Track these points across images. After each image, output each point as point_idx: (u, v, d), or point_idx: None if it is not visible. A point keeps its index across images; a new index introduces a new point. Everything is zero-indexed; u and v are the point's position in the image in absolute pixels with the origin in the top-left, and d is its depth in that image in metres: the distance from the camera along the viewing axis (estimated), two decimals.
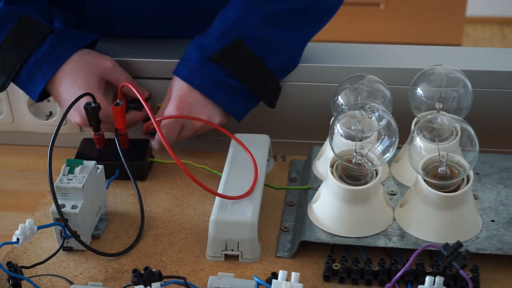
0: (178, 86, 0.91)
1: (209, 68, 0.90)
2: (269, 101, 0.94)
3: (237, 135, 0.89)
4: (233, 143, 0.88)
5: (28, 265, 0.73)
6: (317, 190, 0.80)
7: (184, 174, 0.90)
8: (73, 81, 0.89)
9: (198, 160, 0.91)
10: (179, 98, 0.90)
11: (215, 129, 0.91)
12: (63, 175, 0.77)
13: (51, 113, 1.03)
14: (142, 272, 0.65)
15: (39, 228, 0.71)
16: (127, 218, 0.83)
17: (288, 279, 0.65)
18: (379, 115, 0.71)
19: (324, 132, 0.88)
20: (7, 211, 0.91)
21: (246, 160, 0.84)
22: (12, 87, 0.99)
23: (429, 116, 0.75)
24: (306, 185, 0.85)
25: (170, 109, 0.90)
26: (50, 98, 1.00)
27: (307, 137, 0.99)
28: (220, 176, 0.83)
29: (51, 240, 0.79)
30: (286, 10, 0.91)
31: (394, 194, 0.82)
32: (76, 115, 0.91)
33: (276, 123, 0.99)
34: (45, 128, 1.03)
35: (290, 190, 0.87)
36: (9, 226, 0.88)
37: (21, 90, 0.97)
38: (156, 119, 0.85)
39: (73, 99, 0.83)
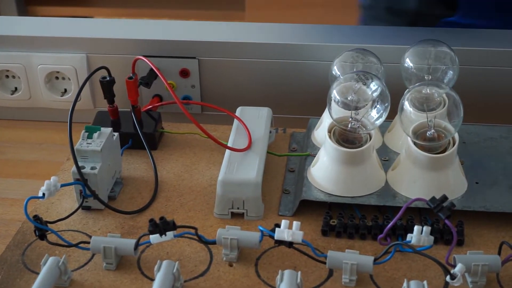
0: None
1: None
2: None
3: (241, 108, 0.97)
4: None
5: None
6: (315, 156, 0.87)
7: (192, 144, 0.97)
8: None
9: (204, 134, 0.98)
10: None
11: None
12: (82, 139, 0.83)
13: (65, 90, 1.09)
14: (158, 222, 0.71)
15: (62, 185, 0.78)
16: (140, 183, 0.90)
17: (289, 228, 0.71)
18: (372, 81, 0.78)
19: (321, 107, 0.95)
20: (27, 179, 0.97)
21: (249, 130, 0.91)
22: (31, 65, 1.06)
23: (417, 84, 0.82)
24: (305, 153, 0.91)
25: None
26: (65, 75, 1.07)
27: (306, 112, 1.06)
28: (226, 144, 0.90)
29: (70, 201, 0.86)
30: None
31: (387, 160, 0.89)
32: None
33: (277, 100, 1.06)
34: (60, 104, 1.10)
35: (291, 157, 0.94)
36: (29, 192, 0.93)
37: (38, 67, 1.05)
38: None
39: None
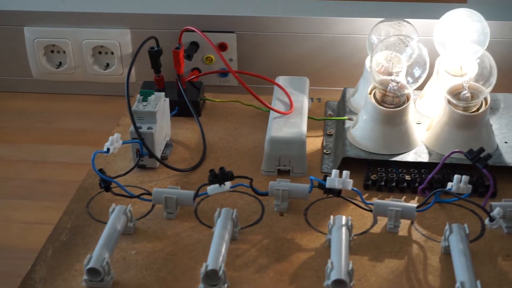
0: None
1: None
2: None
3: (280, 77, 1.02)
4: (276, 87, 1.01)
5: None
6: (353, 120, 0.93)
7: (233, 112, 1.03)
8: None
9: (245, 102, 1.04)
10: None
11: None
12: (138, 102, 0.89)
13: (108, 64, 1.15)
14: (217, 172, 0.77)
15: (123, 142, 0.84)
16: (189, 145, 0.96)
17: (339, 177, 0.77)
18: (411, 45, 0.84)
19: (352, 79, 1.02)
20: (77, 145, 1.03)
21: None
22: (76, 40, 1.11)
23: (449, 50, 0.88)
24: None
25: None
26: (108, 50, 1.13)
27: (337, 84, 1.11)
28: (266, 111, 0.96)
29: (124, 160, 0.92)
30: None
31: (420, 123, 0.94)
32: None
33: (311, 72, 1.11)
34: (103, 78, 1.15)
35: (328, 122, 0.99)
36: (81, 156, 1.00)
37: (83, 42, 1.11)
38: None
39: None
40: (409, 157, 0.87)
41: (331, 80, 1.13)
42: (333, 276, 0.67)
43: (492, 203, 0.78)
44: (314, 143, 0.95)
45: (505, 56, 1.07)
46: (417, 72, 0.86)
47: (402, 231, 0.78)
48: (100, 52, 1.14)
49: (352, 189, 0.76)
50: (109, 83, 1.16)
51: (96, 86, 1.17)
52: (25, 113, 1.12)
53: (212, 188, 0.78)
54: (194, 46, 1.10)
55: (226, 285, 0.69)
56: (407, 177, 0.85)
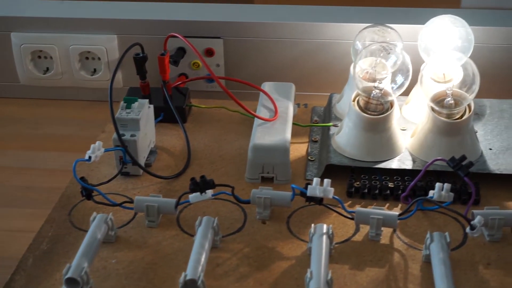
0: None
1: None
2: None
3: (266, 83, 1.02)
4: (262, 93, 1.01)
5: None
6: (338, 126, 0.93)
7: (219, 118, 1.03)
8: None
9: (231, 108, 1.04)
10: None
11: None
12: (122, 109, 0.89)
13: (95, 70, 1.15)
14: (198, 180, 0.77)
15: (105, 150, 0.83)
16: (173, 152, 0.95)
17: (320, 185, 0.77)
18: (394, 52, 0.84)
19: (339, 84, 1.01)
20: (62, 151, 1.03)
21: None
22: (63, 46, 1.11)
23: (434, 57, 0.87)
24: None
25: None
26: (95, 55, 1.13)
27: (324, 90, 1.11)
28: (251, 117, 0.95)
29: (109, 168, 0.91)
30: None
31: (405, 130, 0.94)
32: None
33: (298, 78, 1.11)
34: (89, 84, 1.15)
35: (314, 129, 0.99)
36: (66, 163, 0.99)
37: (70, 47, 1.11)
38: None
39: None
40: (393, 164, 0.87)
41: (318, 85, 1.13)
42: (312, 286, 0.66)
43: (474, 211, 0.77)
44: (299, 150, 0.95)
45: (491, 62, 1.07)
46: (399, 79, 0.85)
47: (384, 239, 0.78)
48: (87, 58, 1.14)
49: (334, 197, 0.76)
50: (96, 88, 1.15)
51: (83, 92, 1.16)
52: (11, 119, 1.12)
53: (193, 197, 0.78)
54: (181, 52, 1.10)
55: None
56: (390, 185, 0.85)
